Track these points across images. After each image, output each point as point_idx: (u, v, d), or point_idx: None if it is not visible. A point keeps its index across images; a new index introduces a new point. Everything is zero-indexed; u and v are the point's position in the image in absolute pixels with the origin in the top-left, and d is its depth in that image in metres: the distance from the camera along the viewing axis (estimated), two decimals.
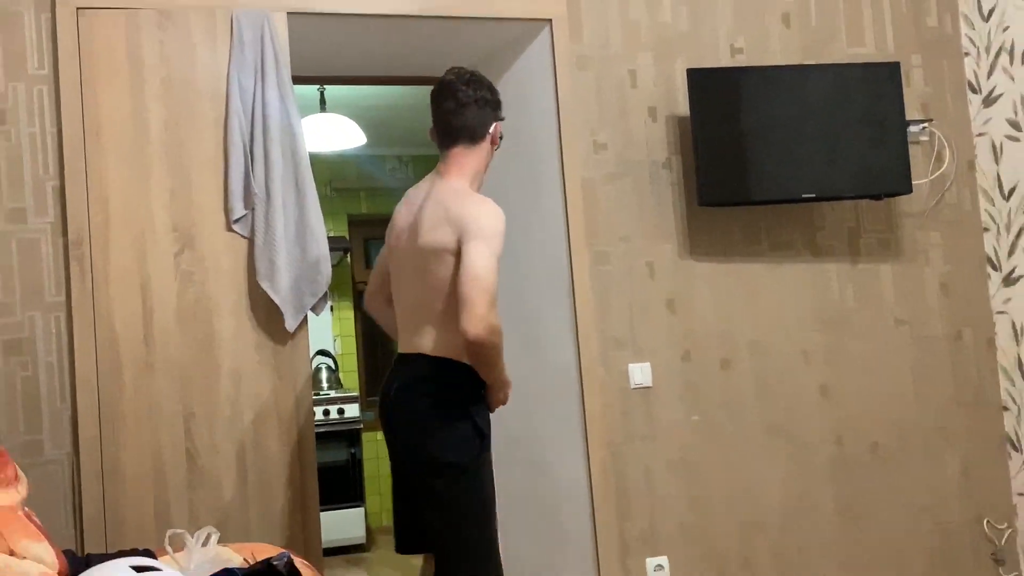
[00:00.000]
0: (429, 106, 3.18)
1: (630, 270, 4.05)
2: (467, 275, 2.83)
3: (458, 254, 2.88)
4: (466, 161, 3.11)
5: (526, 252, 4.24)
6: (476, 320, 2.77)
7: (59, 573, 1.81)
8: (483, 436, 3.03)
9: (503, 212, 2.96)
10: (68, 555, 2.41)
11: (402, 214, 3.17)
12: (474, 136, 3.11)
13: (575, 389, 3.99)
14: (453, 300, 2.90)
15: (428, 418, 2.99)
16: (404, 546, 3.20)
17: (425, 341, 3.03)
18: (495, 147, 3.19)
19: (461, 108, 3.08)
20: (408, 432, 3.04)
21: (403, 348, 3.15)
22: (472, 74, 3.14)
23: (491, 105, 3.14)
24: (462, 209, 2.94)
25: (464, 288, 2.82)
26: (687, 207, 4.15)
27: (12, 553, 1.70)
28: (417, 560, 3.38)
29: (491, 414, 3.11)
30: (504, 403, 3.15)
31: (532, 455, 4.24)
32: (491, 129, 3.14)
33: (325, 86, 6.14)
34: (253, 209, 3.64)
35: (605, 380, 3.98)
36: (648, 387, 4.02)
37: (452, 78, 3.13)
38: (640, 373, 4.01)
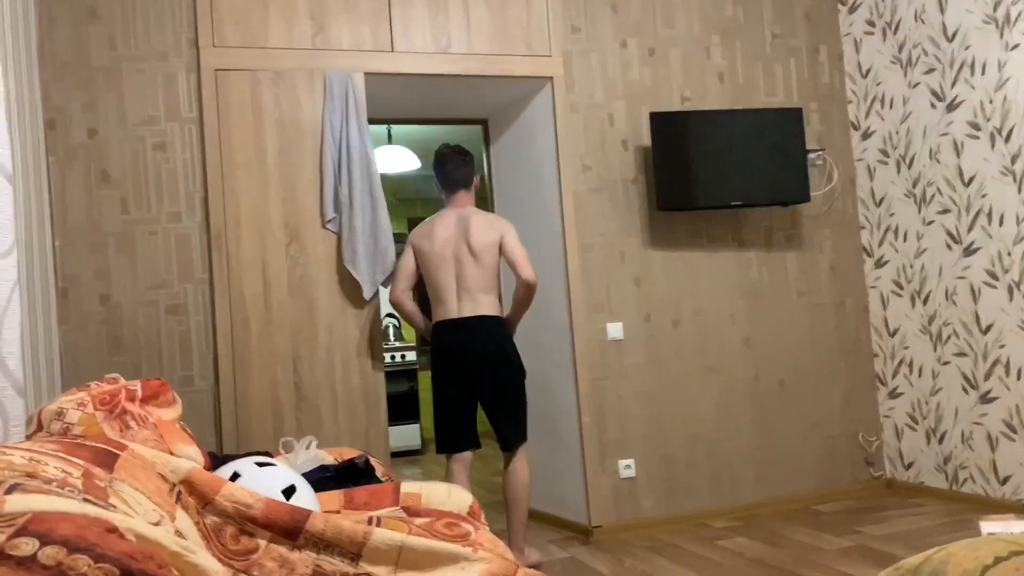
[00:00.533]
0: (439, 169, 3.60)
1: (607, 256, 4.04)
2: (518, 252, 3.32)
3: (499, 246, 3.36)
4: (467, 199, 3.54)
5: (535, 244, 4.24)
6: (531, 271, 3.29)
7: (204, 467, 1.83)
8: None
9: None
10: (211, 456, 2.44)
11: (439, 231, 3.43)
12: (468, 183, 3.55)
13: (568, 340, 4.00)
14: (496, 277, 3.39)
15: (509, 348, 3.37)
16: (459, 446, 3.39)
17: (483, 307, 3.35)
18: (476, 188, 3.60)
19: (460, 168, 3.52)
20: (498, 356, 3.32)
21: (462, 313, 3.37)
22: (459, 147, 3.56)
23: (472, 165, 3.55)
24: (498, 222, 3.42)
25: (518, 257, 3.30)
26: (649, 212, 4.14)
27: (171, 452, 1.72)
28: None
29: None
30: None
31: (541, 386, 4.26)
32: (475, 179, 3.57)
33: (392, 125, 6.15)
34: (340, 213, 3.64)
35: (589, 334, 3.98)
36: (620, 339, 4.03)
37: (449, 151, 3.55)
38: (614, 329, 4.01)
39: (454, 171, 3.52)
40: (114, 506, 1.04)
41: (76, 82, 3.36)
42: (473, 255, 3.33)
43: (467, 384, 3.33)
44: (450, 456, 3.39)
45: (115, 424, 1.69)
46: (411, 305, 3.52)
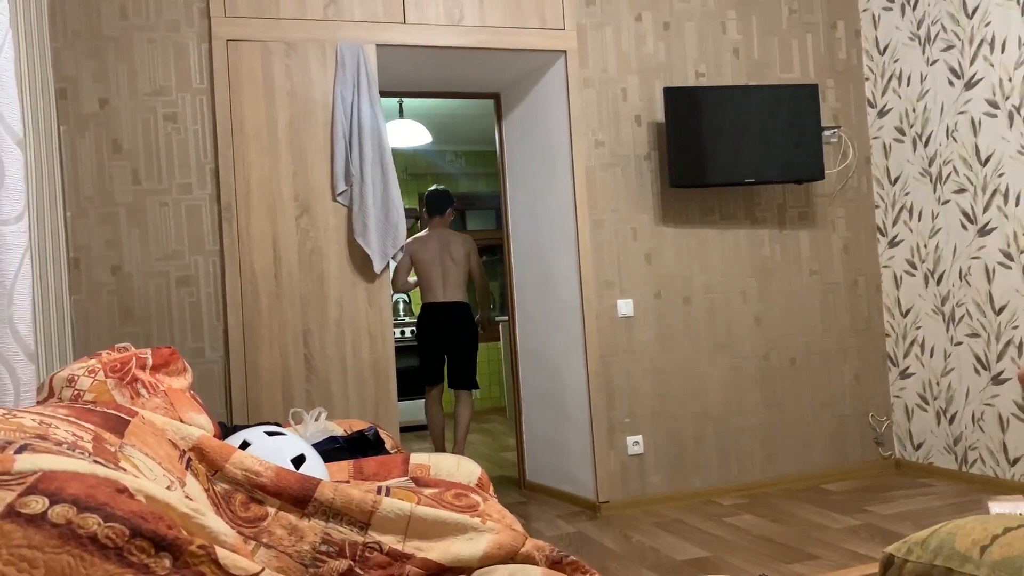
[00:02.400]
0: (426, 201, 5.02)
1: (618, 233, 4.02)
2: (479, 269, 5.03)
3: (468, 258, 4.92)
4: (442, 223, 4.98)
5: (546, 219, 4.22)
6: (487, 282, 5.06)
7: (214, 435, 1.84)
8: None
9: None
10: (221, 425, 2.45)
11: (429, 245, 4.87)
12: (443, 213, 4.97)
13: (578, 317, 3.99)
14: (467, 276, 4.93)
15: (472, 322, 4.96)
16: (450, 384, 4.94)
17: (459, 295, 4.89)
18: (453, 216, 5.08)
19: (441, 203, 4.97)
20: (465, 328, 4.90)
21: (446, 299, 4.88)
22: (444, 190, 5.01)
23: (449, 201, 5.01)
24: (466, 242, 4.94)
25: (480, 273, 5.05)
26: (661, 188, 4.11)
27: (181, 420, 1.73)
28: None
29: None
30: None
31: (550, 362, 4.26)
32: (448, 212, 4.98)
33: (403, 99, 6.12)
34: (351, 186, 3.63)
35: (599, 311, 3.98)
36: (630, 316, 4.02)
37: (438, 188, 5.00)
38: (625, 306, 4.00)
39: (437, 204, 4.97)
40: (124, 469, 1.04)
41: (87, 51, 3.35)
42: (453, 262, 4.85)
43: (443, 343, 4.88)
44: (430, 388, 4.88)
45: (126, 391, 1.69)
46: (406, 287, 4.98)
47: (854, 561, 2.94)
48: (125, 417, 1.35)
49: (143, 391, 1.71)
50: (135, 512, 0.75)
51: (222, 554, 0.77)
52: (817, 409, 4.27)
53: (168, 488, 1.19)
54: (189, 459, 1.42)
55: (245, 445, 1.68)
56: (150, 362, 1.80)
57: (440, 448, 4.89)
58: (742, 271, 4.18)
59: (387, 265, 3.69)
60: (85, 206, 3.33)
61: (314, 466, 1.71)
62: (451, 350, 4.89)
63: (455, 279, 4.86)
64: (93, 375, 1.68)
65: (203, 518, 0.87)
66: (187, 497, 1.23)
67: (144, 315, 3.37)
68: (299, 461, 1.69)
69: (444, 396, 5.69)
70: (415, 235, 5.03)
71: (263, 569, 0.81)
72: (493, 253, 8.10)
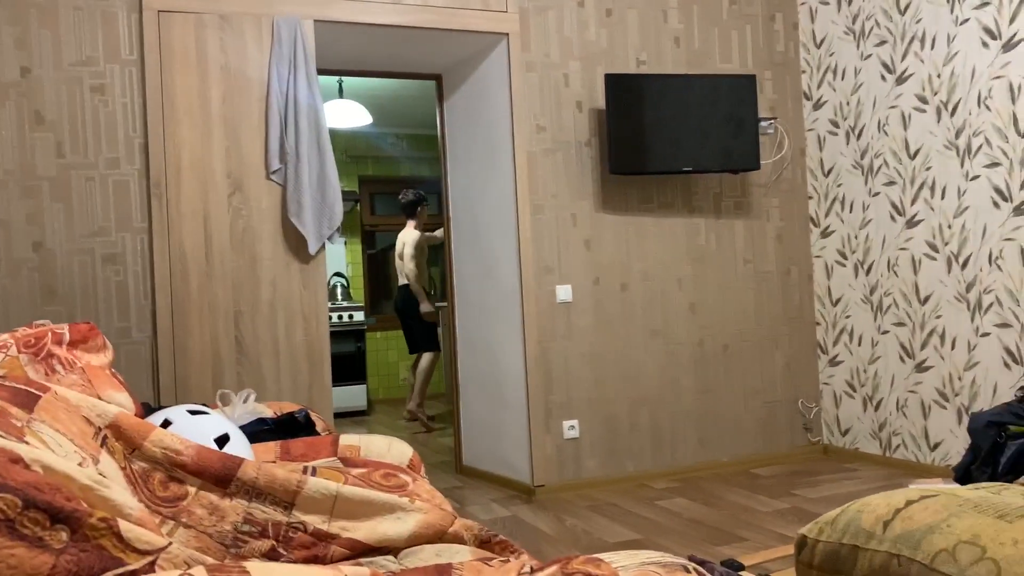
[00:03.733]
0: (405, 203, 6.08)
1: (558, 219, 4.03)
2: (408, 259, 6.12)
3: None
4: (416, 222, 6.09)
5: (486, 204, 4.21)
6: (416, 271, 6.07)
7: (135, 414, 1.78)
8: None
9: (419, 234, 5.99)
10: (145, 406, 2.38)
11: (401, 238, 6.11)
12: (413, 213, 6.09)
13: (517, 302, 3.99)
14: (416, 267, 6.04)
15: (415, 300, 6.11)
16: (411, 349, 6.24)
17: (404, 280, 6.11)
18: (422, 219, 6.13)
19: (415, 205, 6.07)
20: (412, 306, 6.11)
21: (400, 283, 6.19)
22: (417, 191, 6.09)
23: (424, 202, 6.10)
24: (417, 241, 6.02)
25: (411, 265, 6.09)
26: (601, 175, 4.12)
27: (99, 398, 1.67)
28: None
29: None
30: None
31: (488, 347, 4.25)
32: (420, 209, 6.09)
33: (343, 78, 6.02)
34: (286, 164, 3.57)
35: (539, 296, 3.98)
36: (569, 302, 4.03)
37: (411, 193, 6.09)
38: (563, 292, 4.01)
39: (413, 206, 6.08)
40: (27, 443, 0.99)
41: (7, 16, 3.21)
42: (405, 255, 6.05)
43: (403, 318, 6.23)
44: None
45: (40, 367, 1.63)
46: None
47: (781, 543, 3.01)
48: (36, 392, 1.30)
49: (59, 367, 1.65)
50: (29, 482, 0.72)
51: (125, 527, 0.74)
52: (749, 395, 4.35)
53: (80, 465, 1.14)
54: (105, 436, 1.37)
55: (167, 424, 1.63)
56: (67, 337, 1.73)
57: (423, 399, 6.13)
58: (678, 259, 4.23)
59: (323, 246, 3.63)
60: (5, 179, 3.19)
61: (238, 446, 1.67)
62: (408, 322, 6.21)
63: (406, 267, 6.10)
64: (4, 350, 1.61)
65: (106, 490, 0.83)
66: (100, 475, 1.18)
67: (67, 293, 3.26)
68: (223, 441, 1.65)
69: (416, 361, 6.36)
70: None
71: (170, 543, 0.78)
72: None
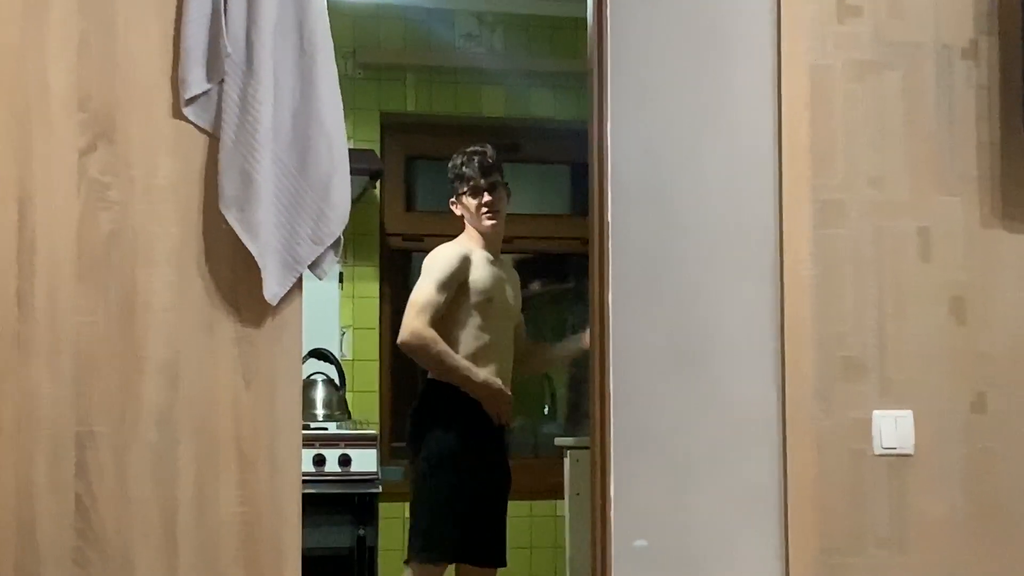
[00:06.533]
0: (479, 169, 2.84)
1: (881, 237, 1.85)
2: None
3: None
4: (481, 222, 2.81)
5: (697, 194, 1.90)
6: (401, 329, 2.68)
7: None
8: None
9: (450, 249, 2.73)
10: None
11: (486, 267, 2.89)
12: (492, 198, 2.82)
13: (771, 449, 1.68)
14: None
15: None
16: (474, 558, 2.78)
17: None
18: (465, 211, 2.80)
19: (494, 178, 2.87)
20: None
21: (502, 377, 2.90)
22: (456, 154, 2.86)
23: (452, 181, 2.83)
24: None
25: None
26: (1002, 133, 1.93)
27: None
28: None
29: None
30: (497, 412, 2.69)
31: (685, 561, 1.86)
32: (452, 199, 2.83)
33: None
34: (222, 82, 1.72)
35: (825, 435, 1.71)
36: (908, 455, 1.74)
37: (487, 154, 2.89)
38: (893, 426, 1.72)
39: (480, 184, 2.96)
40: None
41: None
42: (514, 308, 3.06)
43: (486, 475, 3.01)
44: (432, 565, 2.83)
45: None
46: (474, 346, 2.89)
47: None
48: None
49: None
50: None
51: None
52: None
53: None
54: None
55: None
56: None
57: None
58: None
59: (294, 289, 1.66)
60: None
61: None
62: (491, 487, 2.77)
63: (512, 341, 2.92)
64: None
65: None
66: None
67: None
68: None
69: None
70: (451, 245, 2.77)
71: None
72: (559, 275, 4.15)
